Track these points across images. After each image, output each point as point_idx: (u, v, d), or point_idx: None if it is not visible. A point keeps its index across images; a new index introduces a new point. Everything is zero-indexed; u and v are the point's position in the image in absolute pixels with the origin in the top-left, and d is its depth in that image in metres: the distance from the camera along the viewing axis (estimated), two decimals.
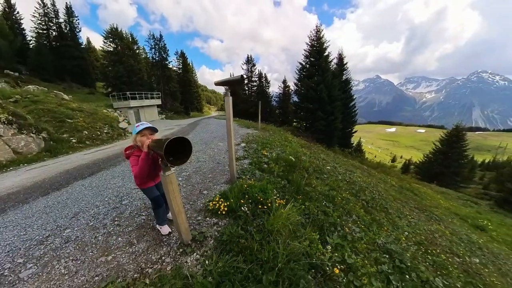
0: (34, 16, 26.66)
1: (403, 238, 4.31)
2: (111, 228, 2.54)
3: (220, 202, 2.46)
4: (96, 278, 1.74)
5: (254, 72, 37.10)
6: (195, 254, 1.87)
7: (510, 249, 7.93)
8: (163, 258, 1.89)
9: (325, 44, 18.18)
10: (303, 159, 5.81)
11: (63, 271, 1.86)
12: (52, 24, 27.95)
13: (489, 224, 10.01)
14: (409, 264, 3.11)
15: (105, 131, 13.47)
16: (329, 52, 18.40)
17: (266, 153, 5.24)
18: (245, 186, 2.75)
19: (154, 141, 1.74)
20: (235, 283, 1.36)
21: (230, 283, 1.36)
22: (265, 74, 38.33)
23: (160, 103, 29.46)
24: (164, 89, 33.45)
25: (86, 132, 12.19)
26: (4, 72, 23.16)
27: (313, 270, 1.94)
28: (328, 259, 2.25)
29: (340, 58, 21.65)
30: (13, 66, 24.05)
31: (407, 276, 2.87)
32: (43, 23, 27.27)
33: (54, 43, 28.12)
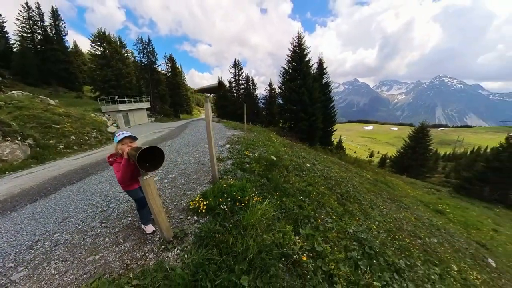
0: (18, 19, 24.96)
1: (374, 227, 4.50)
2: (99, 230, 2.54)
3: (200, 202, 2.54)
4: (85, 276, 1.78)
5: (242, 76, 37.06)
6: (175, 249, 1.95)
7: (463, 228, 8.62)
8: (147, 254, 1.95)
9: (306, 50, 18.62)
10: (284, 158, 5.98)
11: (53, 271, 1.87)
12: (37, 28, 26.29)
13: (447, 208, 10.77)
14: (377, 250, 3.30)
15: (93, 135, 12.96)
16: (310, 58, 18.89)
17: (249, 154, 5.34)
18: (225, 185, 2.84)
19: (133, 149, 1.80)
20: (209, 273, 1.47)
21: (204, 273, 1.46)
22: (252, 77, 38.38)
23: (150, 106, 28.67)
24: (153, 92, 32.59)
25: (74, 137, 11.67)
26: None
27: (283, 259, 2.08)
28: (299, 248, 2.40)
29: (320, 63, 22.23)
30: None
31: (375, 261, 3.06)
32: (28, 26, 25.59)
33: (39, 46, 26.48)
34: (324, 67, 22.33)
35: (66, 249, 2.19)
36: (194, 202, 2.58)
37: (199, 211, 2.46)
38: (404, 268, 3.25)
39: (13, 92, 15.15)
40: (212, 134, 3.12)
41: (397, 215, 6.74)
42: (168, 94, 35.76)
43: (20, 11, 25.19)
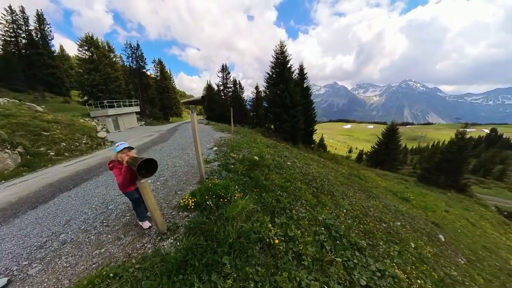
0: (1, 23, 23.28)
1: (342, 214, 4.97)
2: (101, 229, 2.74)
3: (189, 199, 2.83)
4: (94, 265, 2.01)
5: (229, 79, 37.09)
6: (169, 239, 2.23)
7: (422, 211, 9.53)
8: (145, 245, 2.22)
9: (288, 57, 19.21)
10: (266, 158, 6.35)
11: (65, 264, 2.08)
12: (21, 32, 24.66)
13: (411, 196, 11.74)
14: (342, 233, 3.74)
15: (83, 141, 12.53)
16: (291, 64, 19.55)
17: (234, 155, 5.66)
18: (210, 185, 3.15)
19: (131, 158, 2.07)
20: (197, 255, 1.77)
21: (193, 254, 1.76)
22: (239, 81, 38.53)
23: (139, 110, 27.93)
24: (142, 96, 31.75)
25: (64, 144, 11.24)
26: None
27: (259, 243, 2.44)
28: (274, 234, 2.77)
29: (301, 69, 22.91)
30: None
31: (338, 242, 3.49)
32: (11, 30, 23.93)
33: (24, 51, 24.87)
34: (305, 72, 23.11)
35: (74, 246, 2.39)
36: (184, 200, 2.86)
37: (188, 207, 2.75)
38: (365, 247, 3.68)
39: None
40: (198, 141, 3.40)
41: (365, 203, 7.31)
42: (157, 97, 34.98)
43: (3, 14, 23.51)
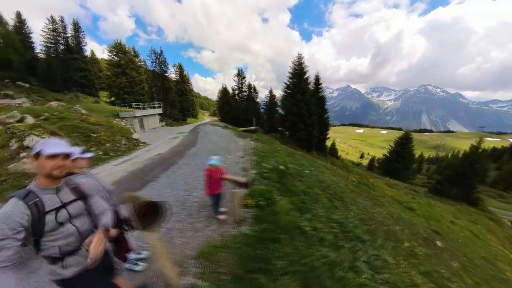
0: (44, 31, 26.40)
1: (351, 216, 6.26)
2: (190, 220, 4.01)
3: (249, 200, 4.28)
4: (200, 242, 3.26)
5: (244, 84, 38.86)
6: (243, 226, 3.63)
7: (425, 220, 10.44)
8: (229, 230, 3.60)
9: (305, 69, 20.56)
10: (289, 167, 7.76)
11: (179, 243, 3.27)
12: (60, 38, 27.77)
13: (416, 206, 12.62)
14: (350, 229, 5.09)
15: (123, 142, 14.31)
16: (308, 76, 20.86)
17: (264, 165, 7.11)
18: (258, 190, 4.59)
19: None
20: (262, 233, 3.21)
21: (263, 233, 3.20)
22: (254, 85, 40.17)
23: (162, 112, 30.22)
24: (164, 98, 34.14)
25: (109, 145, 12.84)
26: (16, 84, 22.90)
27: (297, 229, 3.85)
28: (305, 225, 4.18)
29: (317, 79, 24.01)
30: (24, 77, 23.81)
31: (347, 235, 4.85)
32: (52, 38, 27.04)
33: (61, 55, 27.94)
34: (320, 82, 24.28)
35: (178, 232, 3.57)
36: (245, 200, 4.33)
37: (249, 206, 4.21)
38: (366, 240, 4.99)
39: (51, 103, 16.62)
40: (249, 165, 4.83)
41: (371, 209, 8.48)
42: (177, 100, 37.33)
43: (46, 23, 26.62)
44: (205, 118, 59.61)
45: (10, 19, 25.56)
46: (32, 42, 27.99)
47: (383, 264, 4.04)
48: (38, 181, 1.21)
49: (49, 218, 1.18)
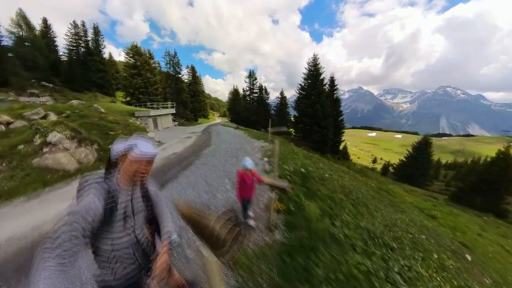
0: (67, 35, 27.89)
1: (377, 223, 6.07)
2: None
3: (279, 205, 4.20)
4: (233, 250, 3.38)
5: (255, 85, 38.98)
6: (276, 232, 3.57)
7: (450, 231, 9.93)
8: (263, 237, 3.52)
9: (320, 70, 20.27)
10: (310, 170, 7.61)
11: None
12: (81, 42, 29.21)
13: (439, 214, 12.02)
14: (377, 235, 4.90)
15: None
16: (323, 77, 20.55)
17: (286, 167, 7.01)
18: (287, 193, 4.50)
19: (268, 182, 3.22)
20: (298, 241, 3.12)
21: (297, 241, 3.11)
22: (265, 86, 40.21)
23: (175, 111, 30.89)
24: (177, 99, 34.90)
25: None
26: (40, 83, 24.26)
27: (331, 236, 3.72)
28: (336, 232, 4.05)
29: (332, 80, 23.70)
30: (48, 78, 25.19)
31: (376, 240, 4.67)
32: (74, 41, 28.49)
33: (82, 58, 29.33)
34: (335, 84, 23.88)
35: None
36: (276, 205, 4.26)
37: (280, 211, 4.14)
38: (396, 248, 4.78)
39: (72, 101, 17.40)
40: (277, 166, 4.76)
41: (393, 216, 8.18)
42: (189, 100, 38.06)
43: (69, 28, 28.09)
44: (216, 118, 60.33)
45: (37, 25, 27.23)
46: (56, 46, 29.64)
47: (416, 276, 3.85)
48: (118, 181, 1.18)
49: (117, 224, 1.15)
